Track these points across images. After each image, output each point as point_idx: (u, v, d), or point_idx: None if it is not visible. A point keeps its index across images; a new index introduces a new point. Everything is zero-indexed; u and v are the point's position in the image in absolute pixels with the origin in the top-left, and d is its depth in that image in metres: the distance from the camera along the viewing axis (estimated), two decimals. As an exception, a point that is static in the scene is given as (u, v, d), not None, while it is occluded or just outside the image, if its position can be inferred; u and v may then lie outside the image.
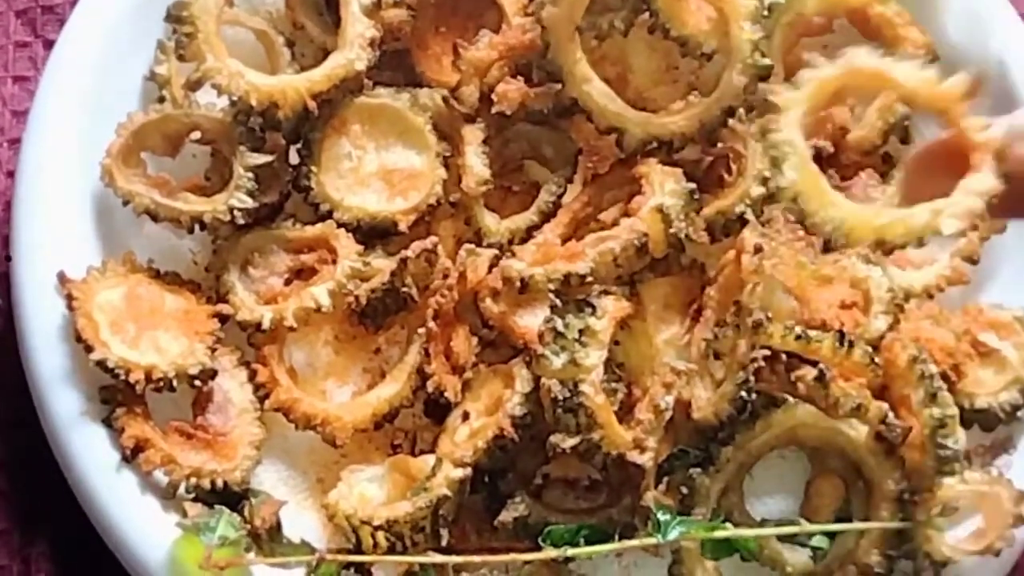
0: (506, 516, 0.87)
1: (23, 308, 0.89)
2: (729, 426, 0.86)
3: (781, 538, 0.88)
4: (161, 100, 0.92)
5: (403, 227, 0.91)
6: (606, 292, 0.86)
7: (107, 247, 0.91)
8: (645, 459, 0.85)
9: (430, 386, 0.89)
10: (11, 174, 0.96)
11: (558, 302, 0.85)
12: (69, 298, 0.86)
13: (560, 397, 0.83)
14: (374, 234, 0.92)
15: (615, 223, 0.90)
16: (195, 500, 0.85)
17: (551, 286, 0.87)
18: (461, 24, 0.97)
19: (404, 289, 0.89)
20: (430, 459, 0.87)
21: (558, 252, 0.89)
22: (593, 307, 0.85)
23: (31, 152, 0.92)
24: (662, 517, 0.84)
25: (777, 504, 0.92)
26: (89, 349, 0.85)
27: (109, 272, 0.89)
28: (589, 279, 0.87)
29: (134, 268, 0.90)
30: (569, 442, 0.84)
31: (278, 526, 0.87)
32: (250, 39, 0.96)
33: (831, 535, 0.88)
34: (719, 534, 0.85)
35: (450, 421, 0.90)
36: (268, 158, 0.90)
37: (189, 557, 0.83)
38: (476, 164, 0.92)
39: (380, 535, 0.84)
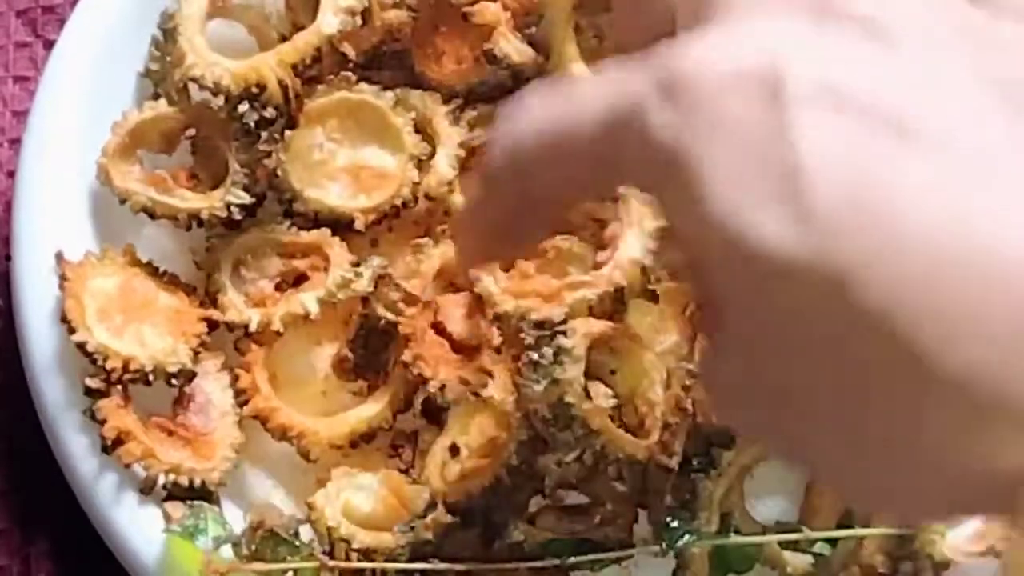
0: (501, 545, 0.85)
1: (23, 308, 0.88)
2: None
3: (782, 542, 0.87)
4: (156, 97, 0.93)
5: (359, 225, 0.90)
6: (575, 316, 0.85)
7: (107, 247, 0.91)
8: (673, 462, 0.84)
9: (432, 387, 0.87)
10: (11, 174, 0.97)
11: (531, 338, 0.83)
12: (62, 278, 0.86)
13: (549, 416, 0.82)
14: (331, 229, 0.90)
15: (585, 226, 0.87)
16: (169, 497, 0.85)
17: (523, 325, 0.84)
18: (461, 24, 0.97)
19: (381, 323, 0.88)
20: (424, 492, 0.85)
21: (533, 286, 0.86)
22: (564, 332, 0.83)
23: (31, 152, 0.92)
24: (673, 524, 0.84)
25: (777, 504, 0.90)
26: (72, 331, 0.85)
27: (107, 260, 0.89)
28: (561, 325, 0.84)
29: (133, 261, 0.90)
30: (571, 455, 0.83)
31: (277, 529, 0.87)
32: (248, 45, 0.95)
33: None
34: (727, 541, 0.85)
35: (437, 449, 0.87)
36: (265, 151, 0.90)
37: (183, 556, 0.83)
38: (443, 165, 0.92)
39: (354, 556, 0.84)
